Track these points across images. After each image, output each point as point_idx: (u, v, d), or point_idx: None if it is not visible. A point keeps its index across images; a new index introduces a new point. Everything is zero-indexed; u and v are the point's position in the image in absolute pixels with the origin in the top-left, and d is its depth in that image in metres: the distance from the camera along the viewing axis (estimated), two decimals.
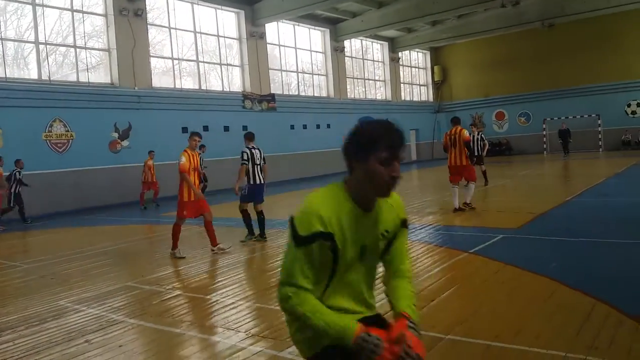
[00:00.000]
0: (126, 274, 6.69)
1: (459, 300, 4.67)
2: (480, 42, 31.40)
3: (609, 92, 28.65)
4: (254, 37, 22.01)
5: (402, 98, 32.62)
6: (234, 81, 22.19)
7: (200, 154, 14.42)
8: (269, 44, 23.18)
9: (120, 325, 4.53)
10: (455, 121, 10.30)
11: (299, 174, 22.60)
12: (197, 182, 7.67)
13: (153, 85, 18.42)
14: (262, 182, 8.23)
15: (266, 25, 22.64)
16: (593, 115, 28.58)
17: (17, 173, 13.15)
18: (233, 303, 4.94)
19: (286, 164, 21.53)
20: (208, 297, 5.23)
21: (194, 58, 20.39)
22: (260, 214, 8.20)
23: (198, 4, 20.29)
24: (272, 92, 22.96)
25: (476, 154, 13.74)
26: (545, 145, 30.03)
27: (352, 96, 28.58)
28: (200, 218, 7.70)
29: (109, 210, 15.09)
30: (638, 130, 27.86)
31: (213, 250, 7.47)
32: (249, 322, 4.39)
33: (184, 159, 7.54)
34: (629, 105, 28.58)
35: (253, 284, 5.80)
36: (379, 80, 31.49)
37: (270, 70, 23.27)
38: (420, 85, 35.22)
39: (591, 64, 28.74)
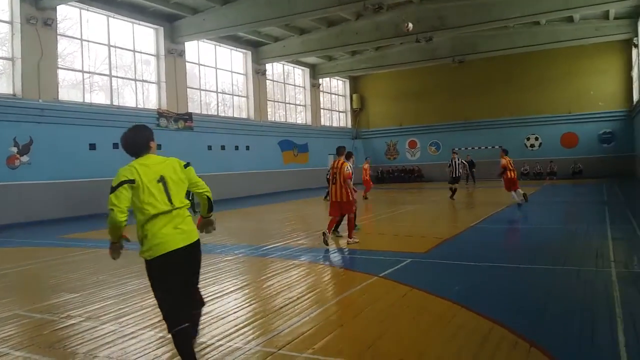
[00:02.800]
0: (16, 301, 6.12)
1: (366, 324, 4.72)
2: (396, 73, 32.91)
3: (510, 126, 31.09)
4: (173, 54, 21.55)
5: (322, 123, 33.23)
6: (150, 98, 21.51)
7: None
8: (188, 62, 22.79)
9: (4, 358, 4.11)
10: (506, 151, 15.50)
11: (216, 196, 22.04)
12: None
13: (60, 98, 17.39)
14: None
15: (186, 43, 22.27)
16: (497, 147, 30.67)
17: None
18: (133, 332, 4.66)
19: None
20: (106, 326, 4.89)
21: (107, 72, 19.55)
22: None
23: (114, 17, 19.57)
24: (190, 111, 22.48)
25: (456, 175, 17.85)
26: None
27: (273, 119, 28.68)
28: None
29: (5, 231, 13.86)
30: (535, 162, 30.31)
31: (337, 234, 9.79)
32: (149, 352, 4.14)
33: (351, 170, 9.40)
34: (528, 139, 31.07)
35: (158, 311, 5.50)
36: (300, 105, 31.91)
37: (188, 89, 22.82)
38: (339, 111, 36.11)
39: (496, 99, 31.09)
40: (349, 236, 9.33)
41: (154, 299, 3.62)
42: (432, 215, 14.44)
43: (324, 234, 9.04)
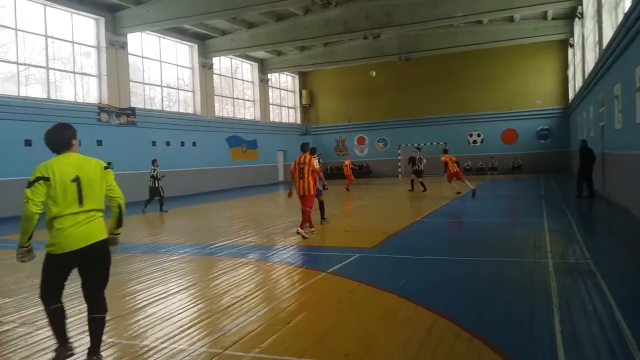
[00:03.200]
0: None
1: (314, 320, 4.72)
2: (345, 70, 33.14)
3: (454, 122, 32.03)
4: (115, 46, 20.77)
5: (271, 119, 33.02)
6: (90, 92, 20.66)
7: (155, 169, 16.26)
8: (131, 54, 22.04)
9: None
10: (445, 150, 18.49)
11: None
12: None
13: None
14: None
15: (128, 35, 21.52)
16: (441, 143, 31.52)
17: (153, 170, 16.00)
18: (73, 337, 4.44)
19: (145, 183, 17.35)
20: (42, 331, 4.65)
21: (44, 64, 18.62)
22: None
23: (51, 7, 18.64)
24: (133, 105, 21.77)
25: (418, 168, 19.21)
26: (400, 169, 32.36)
27: (221, 114, 28.23)
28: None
29: None
30: (477, 158, 31.37)
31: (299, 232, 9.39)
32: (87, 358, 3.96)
33: (318, 165, 9.91)
34: (470, 135, 32.11)
35: None
36: (249, 100, 31.57)
37: (131, 83, 22.09)
38: (288, 107, 36.00)
39: (440, 96, 31.91)
40: (301, 226, 9.53)
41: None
42: (381, 210, 14.65)
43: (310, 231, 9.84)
